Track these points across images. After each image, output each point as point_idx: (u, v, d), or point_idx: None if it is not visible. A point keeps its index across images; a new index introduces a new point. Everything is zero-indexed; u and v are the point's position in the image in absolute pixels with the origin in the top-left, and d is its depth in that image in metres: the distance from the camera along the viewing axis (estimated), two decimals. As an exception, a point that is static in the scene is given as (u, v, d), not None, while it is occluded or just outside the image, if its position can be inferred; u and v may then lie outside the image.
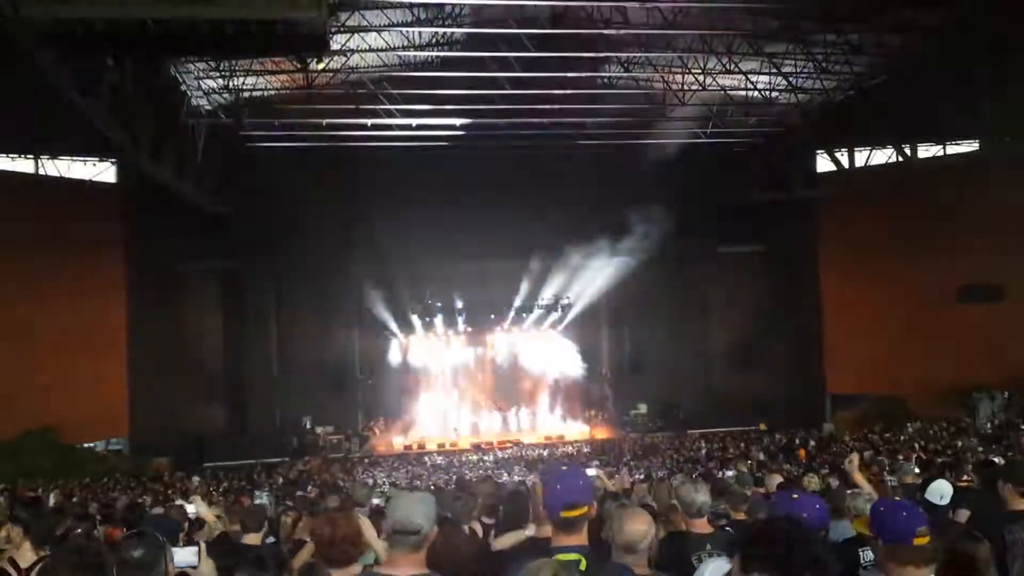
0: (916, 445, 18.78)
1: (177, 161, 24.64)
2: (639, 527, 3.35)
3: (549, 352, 40.20)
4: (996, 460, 7.70)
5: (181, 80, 23.34)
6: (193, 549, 3.37)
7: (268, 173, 30.98)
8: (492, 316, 39.45)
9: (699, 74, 25.78)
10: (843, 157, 31.57)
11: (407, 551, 3.07)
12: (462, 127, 28.47)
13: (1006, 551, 4.08)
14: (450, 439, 35.04)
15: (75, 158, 29.82)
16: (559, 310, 38.49)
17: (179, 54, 17.70)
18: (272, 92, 26.62)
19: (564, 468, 3.16)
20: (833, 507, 4.68)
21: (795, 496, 3.85)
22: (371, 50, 24.31)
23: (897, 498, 3.11)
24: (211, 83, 24.35)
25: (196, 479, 24.92)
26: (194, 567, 3.31)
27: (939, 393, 30.40)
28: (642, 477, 16.42)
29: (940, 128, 28.52)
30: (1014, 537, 4.16)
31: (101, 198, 29.88)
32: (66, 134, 26.77)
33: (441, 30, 24.23)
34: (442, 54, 26.34)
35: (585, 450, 30.83)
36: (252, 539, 6.04)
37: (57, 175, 29.60)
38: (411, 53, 25.64)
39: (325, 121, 27.49)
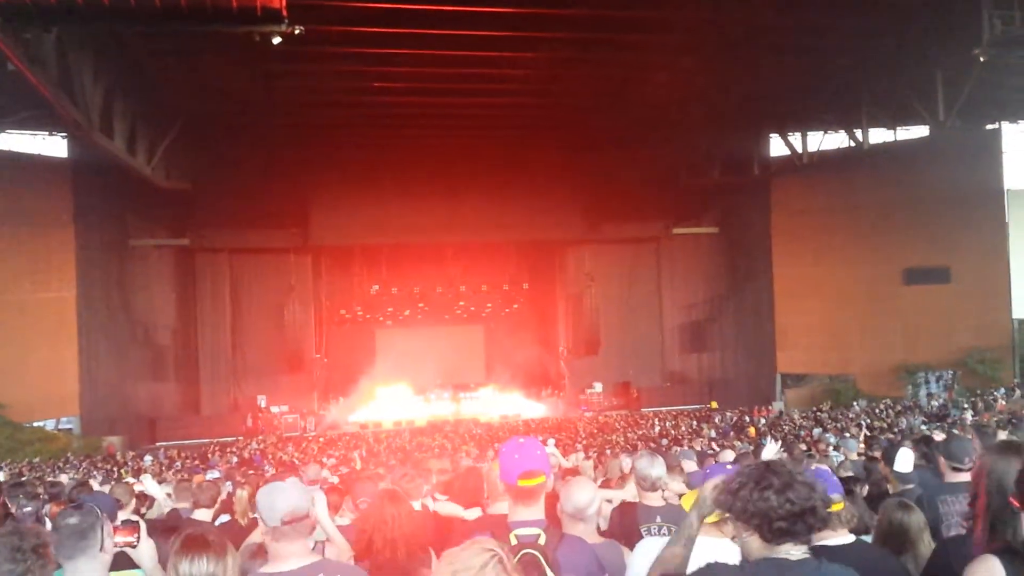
0: (862, 423, 19.22)
1: (129, 136, 24.19)
2: (585, 494, 3.45)
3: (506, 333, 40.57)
4: (935, 436, 7.95)
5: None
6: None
7: (223, 147, 30.58)
8: (449, 296, 39.57)
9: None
10: (796, 141, 31.98)
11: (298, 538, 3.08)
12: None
13: (941, 521, 4.25)
14: (406, 418, 35.04)
15: (25, 132, 29.16)
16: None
17: (132, 26, 17.30)
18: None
19: (521, 440, 3.19)
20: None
21: (729, 466, 3.92)
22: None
23: (819, 466, 3.20)
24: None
25: (149, 458, 24.73)
26: (134, 546, 3.31)
27: (886, 372, 31.17)
28: (596, 455, 16.62)
29: (891, 113, 28.97)
30: (948, 508, 4.34)
31: (51, 172, 29.24)
32: (15, 108, 26.21)
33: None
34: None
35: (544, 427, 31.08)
36: (203, 515, 6.03)
37: (6, 149, 28.88)
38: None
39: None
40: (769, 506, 2.27)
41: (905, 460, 5.06)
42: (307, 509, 3.11)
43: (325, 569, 3.04)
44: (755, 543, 2.34)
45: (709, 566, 2.40)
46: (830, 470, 4.27)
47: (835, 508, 3.09)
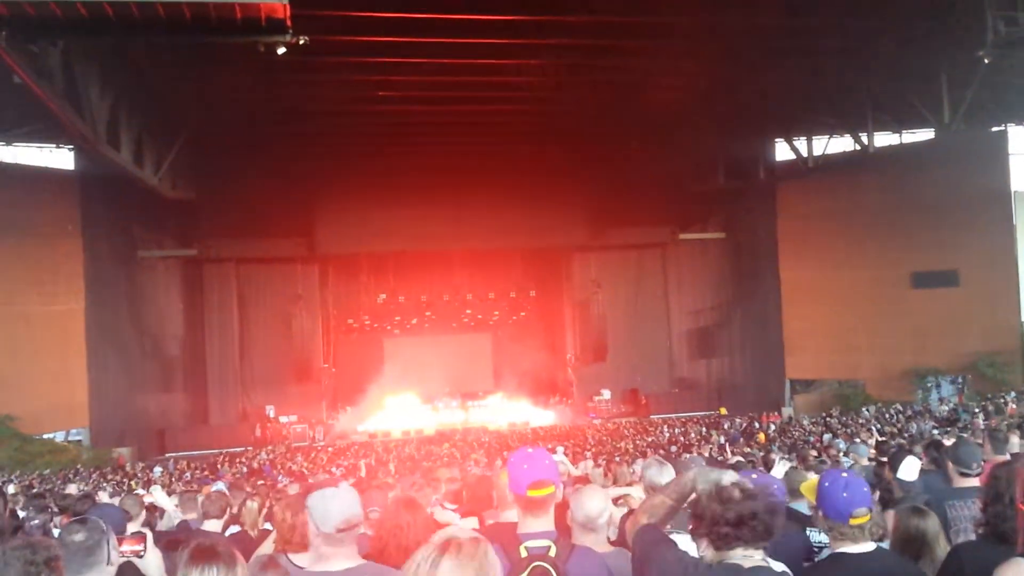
0: (872, 428, 19.14)
1: (135, 147, 24.27)
2: (596, 504, 3.42)
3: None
4: (944, 441, 7.92)
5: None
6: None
7: (229, 157, 30.67)
8: (457, 304, 39.58)
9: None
10: (802, 145, 31.95)
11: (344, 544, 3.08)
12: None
13: (949, 526, 4.23)
14: (414, 427, 35.00)
15: (32, 144, 29.30)
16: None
17: (137, 38, 17.35)
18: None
19: (530, 450, 3.17)
20: (790, 488, 4.81)
21: (754, 476, 3.93)
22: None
23: (844, 474, 3.18)
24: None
25: (158, 469, 24.75)
26: (140, 556, 3.31)
27: (895, 377, 31.04)
28: (605, 462, 16.59)
29: (896, 116, 28.91)
30: (956, 513, 4.33)
31: (59, 185, 29.35)
32: (23, 121, 26.33)
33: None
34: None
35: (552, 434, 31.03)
36: (213, 526, 6.03)
37: (13, 162, 29.04)
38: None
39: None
40: (714, 513, 2.43)
41: (910, 468, 5.04)
42: (360, 516, 3.12)
43: (370, 572, 3.06)
44: (710, 550, 2.48)
45: (680, 551, 2.56)
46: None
47: (860, 521, 3.07)
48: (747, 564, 2.40)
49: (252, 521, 6.51)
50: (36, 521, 6.97)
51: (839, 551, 3.11)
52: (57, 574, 2.78)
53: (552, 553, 2.94)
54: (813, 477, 5.04)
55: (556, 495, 3.11)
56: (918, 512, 3.69)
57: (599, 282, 37.51)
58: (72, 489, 12.97)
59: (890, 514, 4.12)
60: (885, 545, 3.71)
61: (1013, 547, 2.78)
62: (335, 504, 3.02)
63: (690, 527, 2.63)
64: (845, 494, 3.06)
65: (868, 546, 3.07)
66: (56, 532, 5.79)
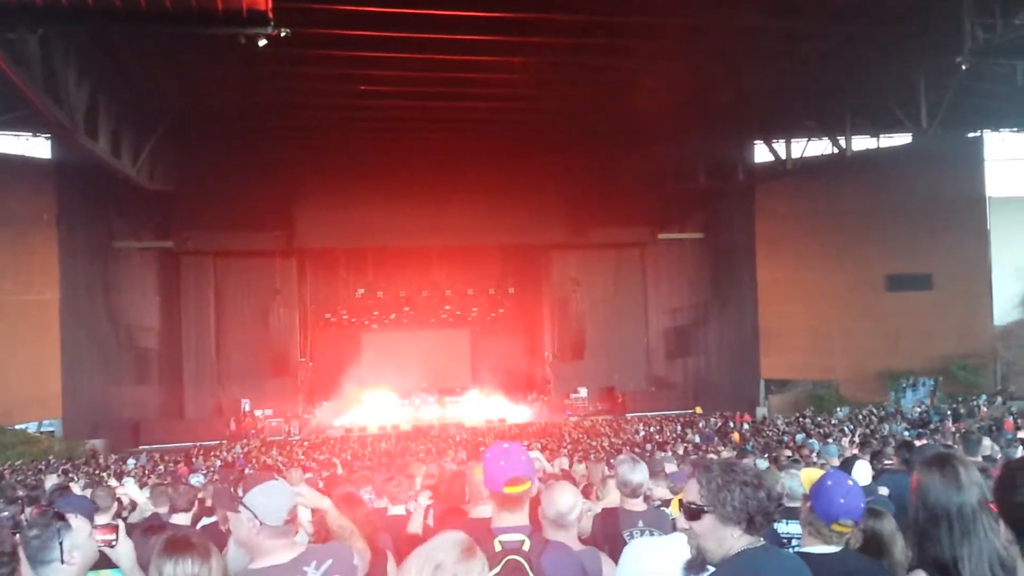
0: (845, 429, 19.33)
1: (113, 137, 24.08)
2: (566, 499, 3.44)
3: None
4: (914, 442, 8.04)
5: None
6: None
7: (208, 149, 30.47)
8: (435, 300, 39.56)
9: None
10: (781, 148, 32.17)
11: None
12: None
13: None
14: (391, 422, 34.92)
15: (8, 133, 28.96)
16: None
17: (118, 27, 17.23)
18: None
19: (506, 445, 3.19)
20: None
21: None
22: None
23: (850, 481, 3.20)
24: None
25: (132, 461, 24.59)
26: (112, 546, 3.30)
27: (868, 379, 31.36)
28: (580, 460, 16.65)
29: (874, 120, 29.16)
30: None
31: (35, 174, 29.07)
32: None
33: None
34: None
35: (529, 431, 31.09)
36: (181, 519, 6.02)
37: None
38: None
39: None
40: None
41: (862, 473, 5.11)
42: (295, 504, 3.15)
43: (315, 555, 3.06)
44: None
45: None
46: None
47: (842, 529, 3.11)
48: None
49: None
50: (5, 513, 6.92)
51: (804, 550, 3.15)
52: (18, 563, 2.76)
53: (526, 547, 2.95)
54: (796, 472, 5.11)
55: (532, 491, 3.14)
56: (874, 513, 3.73)
57: (578, 280, 37.59)
58: (54, 479, 12.88)
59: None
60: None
61: None
62: (280, 495, 3.04)
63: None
64: (842, 500, 3.09)
65: (834, 548, 3.10)
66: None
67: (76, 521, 3.08)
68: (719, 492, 2.48)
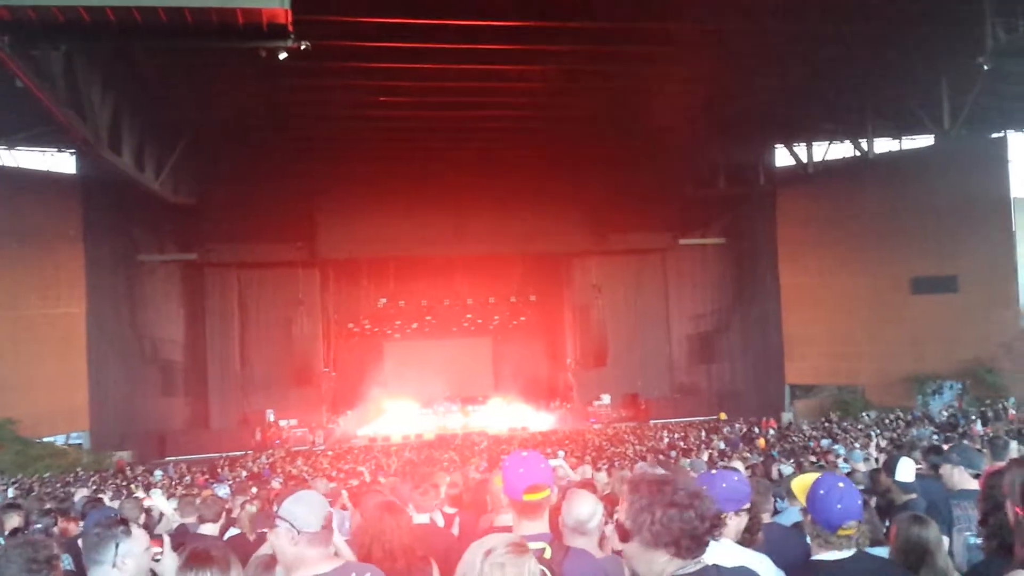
0: (871, 434, 19.14)
1: (137, 151, 24.35)
2: (586, 507, 3.44)
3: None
4: (943, 446, 7.94)
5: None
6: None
7: (230, 162, 30.75)
8: (457, 309, 39.60)
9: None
10: (802, 151, 31.99)
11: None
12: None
13: (952, 525, 4.25)
14: (415, 431, 35.00)
15: (34, 149, 29.39)
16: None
17: (139, 43, 17.45)
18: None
19: (525, 454, 3.20)
20: (786, 490, 4.83)
21: (714, 472, 3.87)
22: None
23: (841, 484, 3.13)
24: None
25: (159, 473, 24.76)
26: (157, 560, 3.35)
27: (895, 383, 31.03)
28: (606, 467, 16.61)
29: (896, 122, 28.97)
30: (961, 512, 4.34)
31: (60, 189, 29.43)
32: (24, 125, 26.40)
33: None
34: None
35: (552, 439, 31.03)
36: (209, 529, 6.07)
37: (15, 166, 29.14)
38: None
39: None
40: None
41: (906, 470, 5.05)
42: (329, 511, 3.15)
43: (355, 569, 3.06)
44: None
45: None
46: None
47: (848, 533, 3.07)
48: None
49: (250, 525, 6.56)
50: (39, 524, 7.04)
51: (815, 558, 3.11)
52: (56, 572, 2.83)
53: (547, 555, 2.96)
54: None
55: (551, 498, 3.15)
56: (919, 521, 3.64)
57: (599, 287, 37.51)
58: (84, 492, 13.04)
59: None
60: (877, 550, 3.70)
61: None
62: (316, 502, 3.04)
63: None
64: (839, 506, 3.04)
65: (846, 552, 3.06)
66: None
67: (137, 531, 3.14)
68: (639, 514, 2.33)
